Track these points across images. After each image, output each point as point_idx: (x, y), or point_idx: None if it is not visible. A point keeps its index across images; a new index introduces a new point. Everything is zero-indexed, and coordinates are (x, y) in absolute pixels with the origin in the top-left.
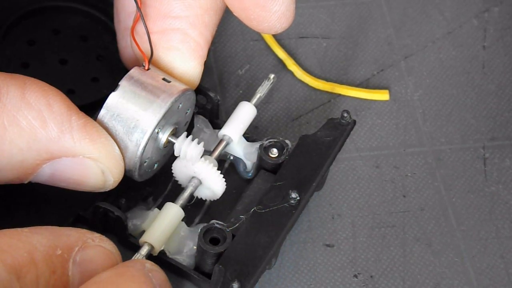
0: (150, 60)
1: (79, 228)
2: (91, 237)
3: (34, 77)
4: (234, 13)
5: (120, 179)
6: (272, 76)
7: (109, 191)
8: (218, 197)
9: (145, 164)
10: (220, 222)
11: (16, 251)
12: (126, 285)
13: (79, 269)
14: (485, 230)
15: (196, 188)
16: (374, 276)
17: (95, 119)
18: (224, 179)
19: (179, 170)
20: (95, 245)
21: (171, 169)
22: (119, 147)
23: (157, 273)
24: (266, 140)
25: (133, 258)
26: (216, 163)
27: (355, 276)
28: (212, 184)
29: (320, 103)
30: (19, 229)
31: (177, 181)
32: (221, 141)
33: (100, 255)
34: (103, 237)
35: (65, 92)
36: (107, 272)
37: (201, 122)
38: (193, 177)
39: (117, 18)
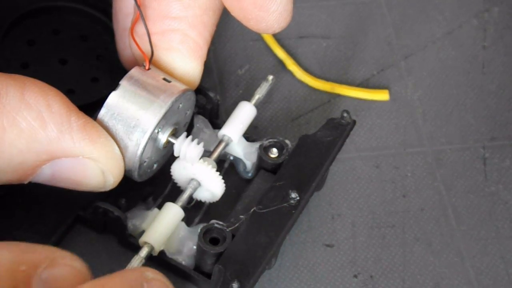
0: (150, 60)
1: (48, 246)
2: (60, 255)
3: (34, 78)
4: (232, 13)
5: (120, 179)
6: (270, 77)
7: (109, 191)
8: (217, 199)
9: (144, 164)
10: (220, 222)
11: None
12: None
13: (44, 286)
14: (485, 230)
15: (195, 190)
16: (374, 276)
17: (95, 118)
18: (223, 181)
19: (178, 172)
20: (63, 264)
21: (170, 171)
22: (119, 146)
23: (158, 282)
24: (266, 140)
25: (132, 259)
26: (215, 164)
27: (355, 276)
28: (211, 186)
29: (320, 103)
30: None
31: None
32: (221, 141)
33: (68, 275)
34: (74, 256)
35: (64, 92)
36: (87, 284)
37: (201, 122)
38: (192, 179)
39: (115, 19)
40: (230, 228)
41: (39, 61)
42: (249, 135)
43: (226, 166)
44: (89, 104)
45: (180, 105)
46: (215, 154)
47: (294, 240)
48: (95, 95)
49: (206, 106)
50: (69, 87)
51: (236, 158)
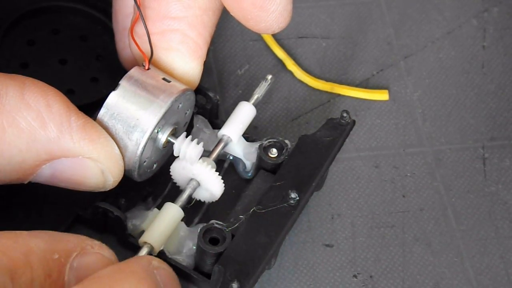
0: (150, 60)
1: (79, 235)
2: (90, 244)
3: (34, 77)
4: (231, 13)
5: (120, 179)
6: (269, 77)
7: (108, 191)
8: (216, 199)
9: (144, 164)
10: (219, 222)
11: (12, 253)
12: (125, 281)
13: (75, 274)
14: (485, 230)
15: (194, 190)
16: (374, 276)
17: (95, 118)
18: (222, 181)
19: (177, 172)
20: (94, 252)
21: (170, 171)
22: (118, 146)
23: (164, 271)
24: (266, 140)
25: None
26: (214, 164)
27: (355, 276)
28: (210, 185)
29: (319, 103)
30: (17, 232)
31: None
32: (220, 141)
33: (98, 262)
34: (103, 245)
35: (64, 92)
36: (108, 268)
37: (200, 122)
38: (191, 179)
39: (115, 19)
40: (229, 228)
41: (38, 61)
42: (249, 135)
43: (226, 166)
44: (89, 104)
45: (180, 105)
46: (215, 154)
47: (294, 240)
48: (95, 95)
49: (205, 106)
50: (69, 87)
51: (235, 158)
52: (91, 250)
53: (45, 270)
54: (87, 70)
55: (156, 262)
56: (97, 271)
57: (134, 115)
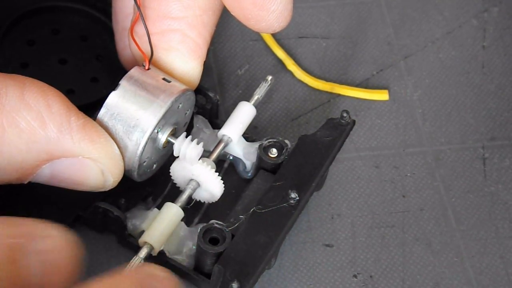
0: (150, 60)
1: (37, 219)
2: (50, 228)
3: (34, 77)
4: (232, 13)
5: (120, 179)
6: (269, 77)
7: (108, 191)
8: (216, 200)
9: (144, 164)
10: (219, 222)
11: None
12: None
13: (38, 258)
14: (485, 230)
15: (194, 190)
16: (374, 276)
17: (95, 118)
18: (222, 181)
19: (177, 172)
20: (54, 235)
21: (170, 171)
22: (118, 146)
23: (169, 281)
24: (266, 140)
25: (132, 259)
26: (214, 165)
27: (355, 276)
28: (210, 186)
29: (319, 103)
30: None
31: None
32: (220, 141)
33: (60, 246)
34: (63, 228)
35: (64, 92)
36: (97, 283)
37: (200, 122)
38: (191, 180)
39: (115, 19)
40: (230, 228)
41: (39, 61)
42: (249, 135)
43: (226, 166)
44: (89, 104)
45: (180, 105)
46: (215, 154)
47: (294, 240)
48: (95, 95)
49: (205, 106)
50: (69, 87)
51: (235, 158)
52: (52, 234)
53: (8, 257)
54: (87, 70)
55: (159, 271)
56: (60, 254)
57: (134, 115)
